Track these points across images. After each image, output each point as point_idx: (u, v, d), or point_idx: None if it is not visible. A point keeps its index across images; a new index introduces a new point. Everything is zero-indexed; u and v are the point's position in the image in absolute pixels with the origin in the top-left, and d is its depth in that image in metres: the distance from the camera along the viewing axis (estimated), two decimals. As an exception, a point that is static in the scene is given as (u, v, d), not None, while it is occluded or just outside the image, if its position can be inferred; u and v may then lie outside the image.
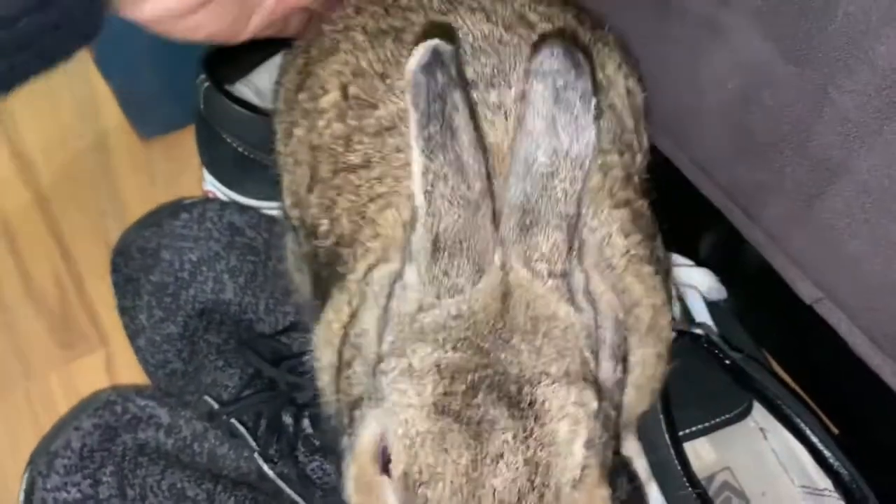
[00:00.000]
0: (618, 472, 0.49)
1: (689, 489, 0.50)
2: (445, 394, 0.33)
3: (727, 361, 0.53)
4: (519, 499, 0.32)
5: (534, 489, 0.33)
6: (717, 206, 0.56)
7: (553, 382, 0.34)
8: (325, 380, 0.45)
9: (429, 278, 0.36)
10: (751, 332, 0.57)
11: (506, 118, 0.41)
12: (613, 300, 0.40)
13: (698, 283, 0.55)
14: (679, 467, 0.51)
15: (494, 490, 0.32)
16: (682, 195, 0.58)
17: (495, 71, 0.43)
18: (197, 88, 0.62)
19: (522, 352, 0.34)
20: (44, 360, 0.63)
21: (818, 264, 0.52)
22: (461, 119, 0.35)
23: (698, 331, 0.54)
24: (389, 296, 0.38)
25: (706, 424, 0.55)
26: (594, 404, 0.35)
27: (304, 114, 0.47)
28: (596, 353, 0.37)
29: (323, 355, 0.44)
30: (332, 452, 0.49)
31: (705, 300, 0.56)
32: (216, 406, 0.52)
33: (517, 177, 0.35)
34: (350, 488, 0.36)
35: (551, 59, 0.34)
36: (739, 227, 0.55)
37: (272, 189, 0.64)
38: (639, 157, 0.47)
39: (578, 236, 0.37)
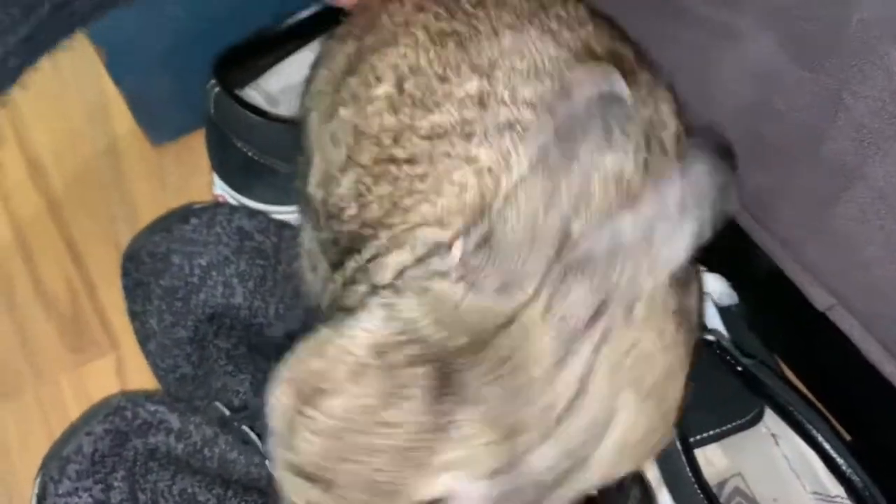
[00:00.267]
0: (630, 479, 0.49)
1: (701, 495, 0.50)
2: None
3: (738, 367, 0.53)
4: None
5: None
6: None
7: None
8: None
9: (468, 258, 0.35)
10: (762, 339, 0.57)
11: None
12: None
13: (710, 288, 0.55)
14: (690, 473, 0.51)
15: None
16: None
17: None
18: (207, 93, 0.62)
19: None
20: (54, 364, 0.63)
21: (831, 271, 0.52)
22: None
23: (710, 337, 0.54)
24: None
25: (717, 430, 0.54)
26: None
27: (353, 97, 0.47)
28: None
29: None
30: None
31: (717, 306, 0.56)
32: (227, 412, 0.52)
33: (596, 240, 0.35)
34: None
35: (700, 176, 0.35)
36: (751, 232, 0.55)
37: (282, 193, 0.64)
38: None
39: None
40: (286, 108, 0.67)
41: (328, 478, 0.33)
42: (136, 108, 0.72)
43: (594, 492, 0.47)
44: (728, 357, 0.53)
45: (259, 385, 0.53)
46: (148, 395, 0.54)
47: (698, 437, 0.54)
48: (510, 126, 0.41)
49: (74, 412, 0.57)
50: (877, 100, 0.42)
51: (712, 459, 0.57)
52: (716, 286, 0.55)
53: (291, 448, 0.33)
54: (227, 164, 0.65)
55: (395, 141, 0.44)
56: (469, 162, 0.41)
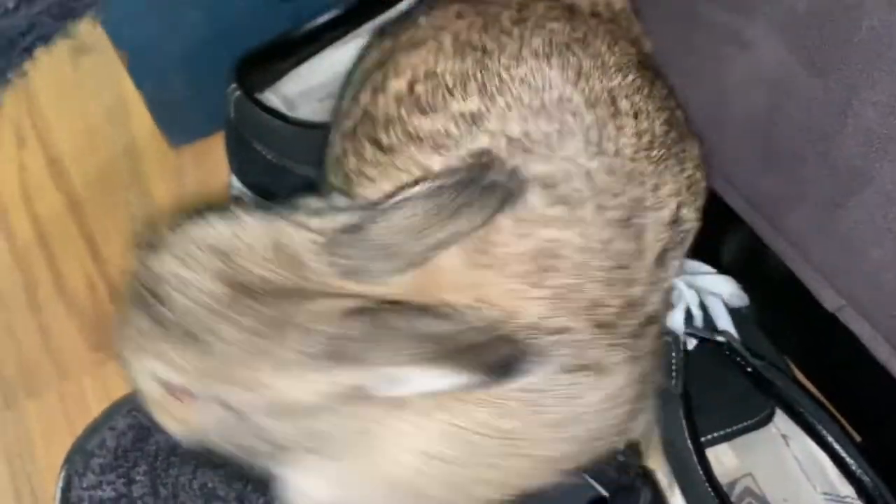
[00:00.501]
0: (642, 481, 0.50)
1: (712, 495, 0.50)
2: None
3: (749, 368, 0.54)
4: None
5: None
6: (740, 214, 0.56)
7: None
8: None
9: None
10: (773, 340, 0.58)
11: None
12: None
13: (720, 290, 0.55)
14: (701, 473, 0.52)
15: None
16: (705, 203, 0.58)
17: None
18: (228, 97, 0.63)
19: None
20: (76, 362, 0.64)
21: (841, 273, 0.52)
22: None
23: (720, 338, 0.54)
24: None
25: (728, 430, 0.55)
26: None
27: (373, 88, 0.48)
28: None
29: None
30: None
31: (727, 307, 0.57)
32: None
33: None
34: None
35: None
36: (762, 235, 0.55)
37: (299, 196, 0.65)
38: None
39: None
40: (304, 112, 0.68)
41: None
42: (155, 110, 0.73)
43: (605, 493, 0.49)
44: (738, 358, 0.54)
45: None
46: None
47: (709, 436, 0.55)
48: (480, 154, 0.43)
49: (96, 409, 0.57)
50: (885, 105, 0.43)
51: (723, 459, 0.57)
52: (727, 287, 0.56)
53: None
54: (246, 166, 0.66)
55: (385, 127, 0.45)
56: (419, 168, 0.43)
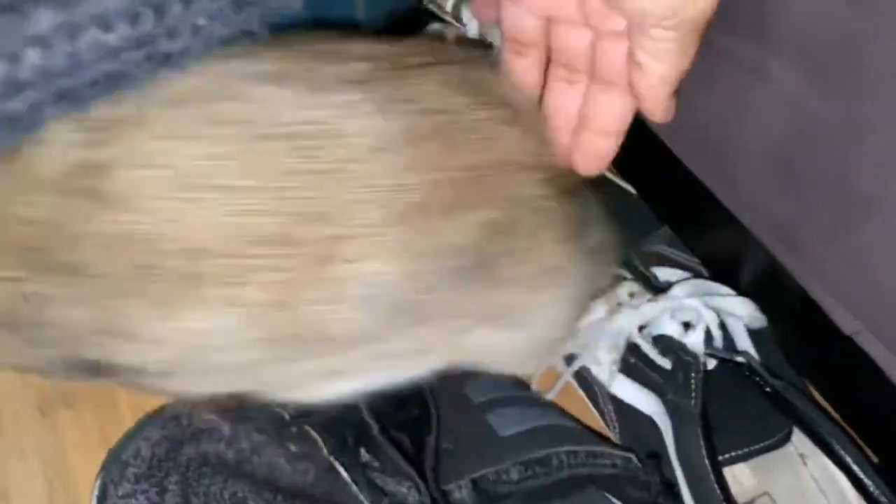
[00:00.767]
0: (664, 497, 0.51)
1: (729, 513, 0.51)
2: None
3: (768, 388, 0.55)
4: None
5: None
6: (758, 237, 0.57)
7: None
8: None
9: None
10: (791, 361, 0.59)
11: None
12: None
13: (740, 311, 0.57)
14: (719, 493, 0.53)
15: None
16: (724, 227, 0.60)
17: None
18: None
19: None
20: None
21: (857, 296, 0.53)
22: None
23: (740, 358, 0.55)
24: None
25: (746, 450, 0.56)
26: None
27: None
28: None
29: None
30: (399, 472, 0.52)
31: (747, 328, 0.58)
32: (286, 415, 0.55)
33: None
34: None
35: None
36: (781, 258, 0.57)
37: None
38: None
39: None
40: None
41: None
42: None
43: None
44: (757, 378, 0.55)
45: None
46: (202, 404, 0.57)
47: (727, 455, 0.56)
48: None
49: (129, 419, 0.59)
50: (897, 132, 0.44)
51: (740, 479, 0.58)
52: (745, 309, 0.57)
53: None
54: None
55: None
56: None
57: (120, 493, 0.53)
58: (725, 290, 0.58)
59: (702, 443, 0.54)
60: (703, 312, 0.55)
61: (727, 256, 0.63)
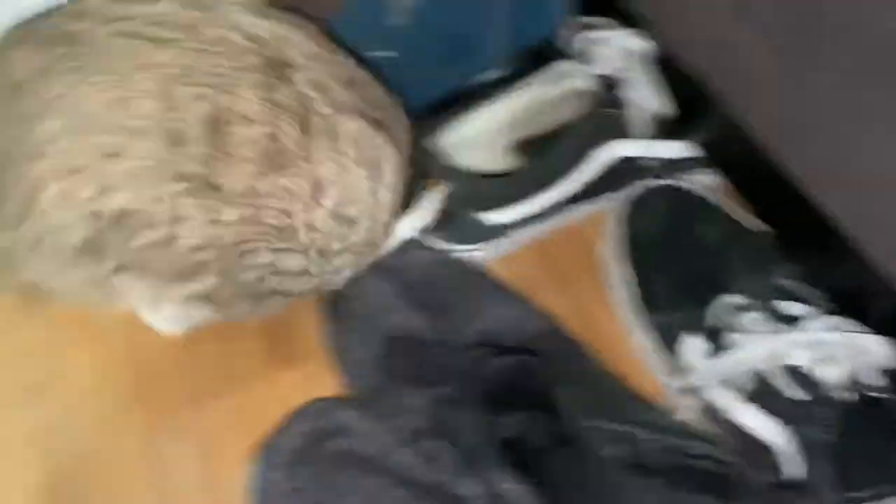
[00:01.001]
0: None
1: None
2: None
3: (903, 428, 0.54)
4: None
5: None
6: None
7: None
8: None
9: None
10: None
11: None
12: None
13: (876, 349, 0.57)
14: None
15: None
16: (854, 266, 0.60)
17: None
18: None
19: None
20: (250, 373, 0.70)
21: None
22: None
23: (875, 394, 0.55)
24: None
25: (878, 491, 0.55)
26: None
27: None
28: None
29: None
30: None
31: (881, 367, 0.57)
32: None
33: None
34: None
35: None
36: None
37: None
38: None
39: None
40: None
41: None
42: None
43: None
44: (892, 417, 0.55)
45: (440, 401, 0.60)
46: (343, 402, 0.62)
47: (857, 494, 0.55)
48: None
49: (268, 418, 0.62)
50: None
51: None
52: (882, 347, 0.57)
53: None
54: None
55: None
56: None
57: (271, 479, 0.57)
58: (862, 326, 0.58)
59: (833, 479, 0.54)
60: (842, 349, 0.55)
61: (857, 295, 0.62)
